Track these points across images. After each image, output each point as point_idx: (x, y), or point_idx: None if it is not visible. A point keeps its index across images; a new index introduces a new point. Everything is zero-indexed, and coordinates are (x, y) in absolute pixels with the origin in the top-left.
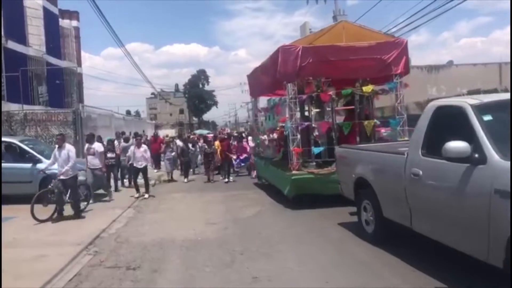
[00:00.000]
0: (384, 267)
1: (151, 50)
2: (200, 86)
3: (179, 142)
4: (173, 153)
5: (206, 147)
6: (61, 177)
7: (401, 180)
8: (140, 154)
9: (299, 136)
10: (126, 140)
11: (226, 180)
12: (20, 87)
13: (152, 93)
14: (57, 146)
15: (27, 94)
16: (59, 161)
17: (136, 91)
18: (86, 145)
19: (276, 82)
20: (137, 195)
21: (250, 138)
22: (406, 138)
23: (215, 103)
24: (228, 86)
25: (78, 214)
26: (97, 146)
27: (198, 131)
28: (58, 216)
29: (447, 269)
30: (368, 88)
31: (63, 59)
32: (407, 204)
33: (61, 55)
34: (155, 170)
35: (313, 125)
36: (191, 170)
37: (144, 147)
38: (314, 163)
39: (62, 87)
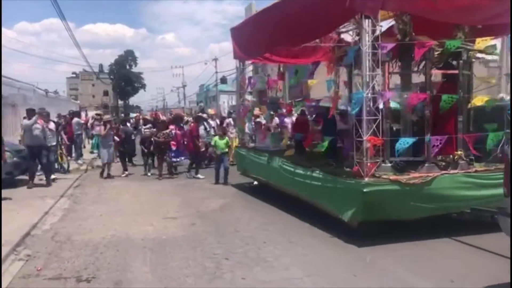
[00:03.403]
0: None
1: (71, 27)
2: (128, 67)
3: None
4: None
5: (153, 132)
6: None
7: None
8: None
9: (379, 117)
10: (30, 113)
11: (192, 175)
12: None
13: (74, 73)
14: None
15: None
16: None
17: (55, 70)
18: None
19: (316, 26)
20: None
21: (228, 120)
22: None
23: (143, 86)
24: (155, 70)
25: None
26: None
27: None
28: None
29: None
30: (483, 43)
31: None
32: None
33: None
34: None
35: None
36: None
37: None
38: (390, 165)
39: None
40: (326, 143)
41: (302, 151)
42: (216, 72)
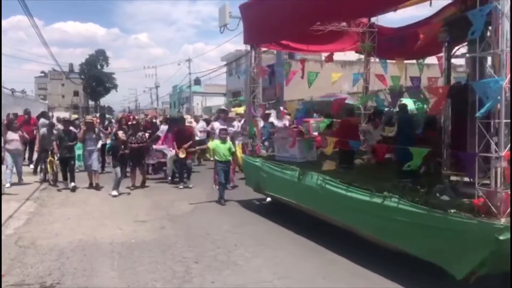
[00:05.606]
0: None
1: (40, 25)
2: (99, 67)
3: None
4: (107, 141)
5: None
6: None
7: None
8: None
9: None
10: None
11: (181, 186)
12: None
13: (42, 72)
14: None
15: None
16: None
17: (22, 68)
18: None
19: None
20: None
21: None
22: None
23: (115, 87)
24: (127, 70)
25: None
26: None
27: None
28: None
29: None
30: None
31: None
32: None
33: None
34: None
35: None
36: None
37: None
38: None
39: None
40: (420, 157)
41: (351, 165)
42: (190, 73)
